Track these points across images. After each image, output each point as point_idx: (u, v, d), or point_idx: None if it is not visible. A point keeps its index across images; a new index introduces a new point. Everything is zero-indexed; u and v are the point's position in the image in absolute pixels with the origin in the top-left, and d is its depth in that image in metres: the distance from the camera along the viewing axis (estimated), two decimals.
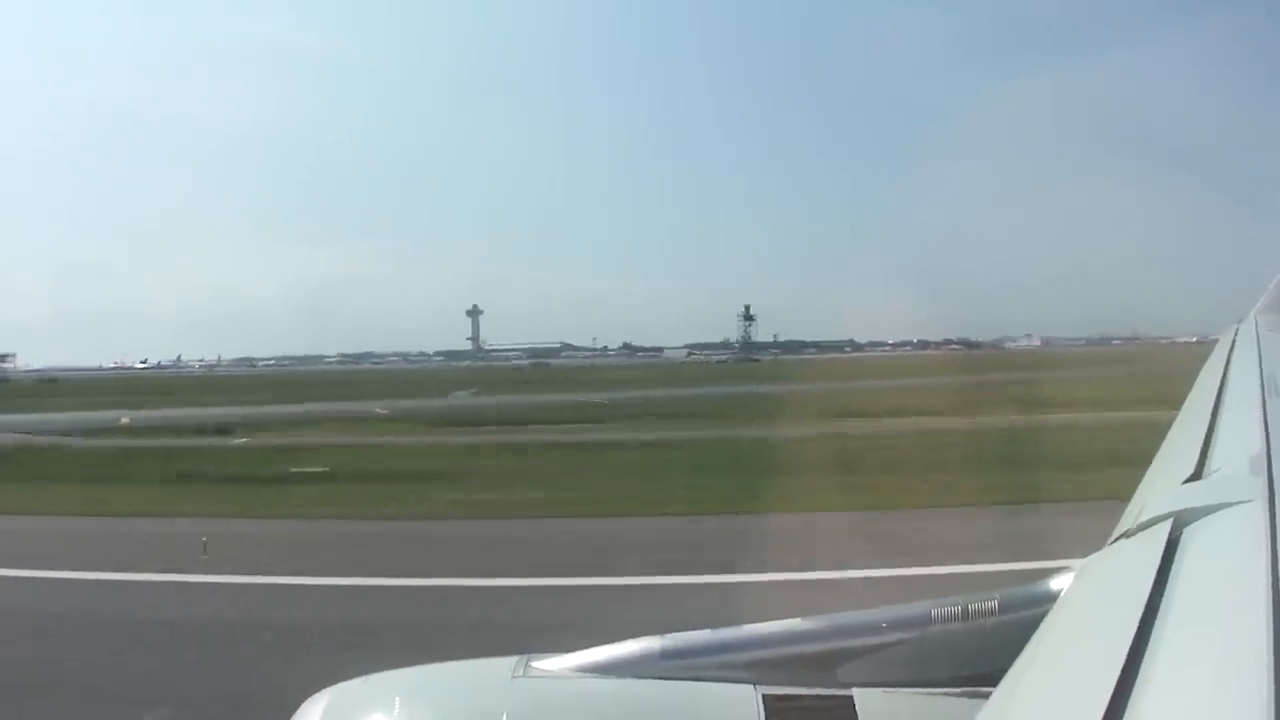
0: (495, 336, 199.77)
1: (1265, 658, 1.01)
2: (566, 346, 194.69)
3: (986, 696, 1.35)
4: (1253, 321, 5.14)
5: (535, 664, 1.86)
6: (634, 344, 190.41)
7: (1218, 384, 3.18)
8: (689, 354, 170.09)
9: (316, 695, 1.82)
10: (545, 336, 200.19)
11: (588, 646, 1.91)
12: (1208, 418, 2.56)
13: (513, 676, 1.82)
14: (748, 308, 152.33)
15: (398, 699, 1.79)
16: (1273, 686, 0.96)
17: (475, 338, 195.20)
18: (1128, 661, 1.09)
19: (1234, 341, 4.47)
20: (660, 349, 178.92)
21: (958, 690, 1.70)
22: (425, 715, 1.79)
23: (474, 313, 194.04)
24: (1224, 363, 3.77)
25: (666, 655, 1.84)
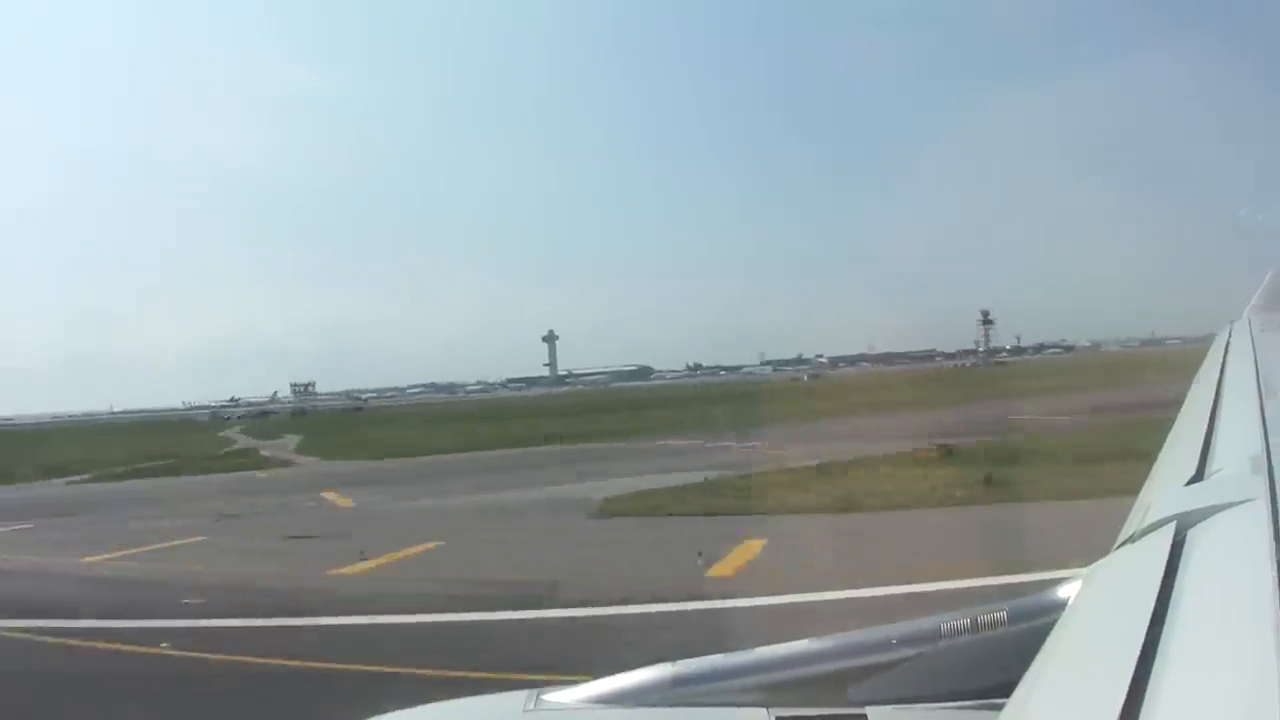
0: (567, 361, 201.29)
1: (1274, 657, 1.01)
2: (644, 369, 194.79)
3: (1000, 708, 1.34)
4: (1246, 321, 5.17)
5: (546, 697, 1.85)
6: (702, 364, 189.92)
7: (1215, 385, 3.20)
8: (773, 369, 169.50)
9: None
10: (619, 360, 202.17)
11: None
12: (1206, 419, 2.57)
13: (524, 710, 1.81)
14: (986, 312, 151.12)
15: None
16: None
17: (553, 363, 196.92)
18: (1139, 666, 1.09)
19: (1228, 342, 4.49)
20: (738, 367, 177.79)
21: (971, 704, 1.69)
22: None
23: (550, 339, 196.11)
24: (1220, 363, 3.78)
25: (678, 682, 1.83)
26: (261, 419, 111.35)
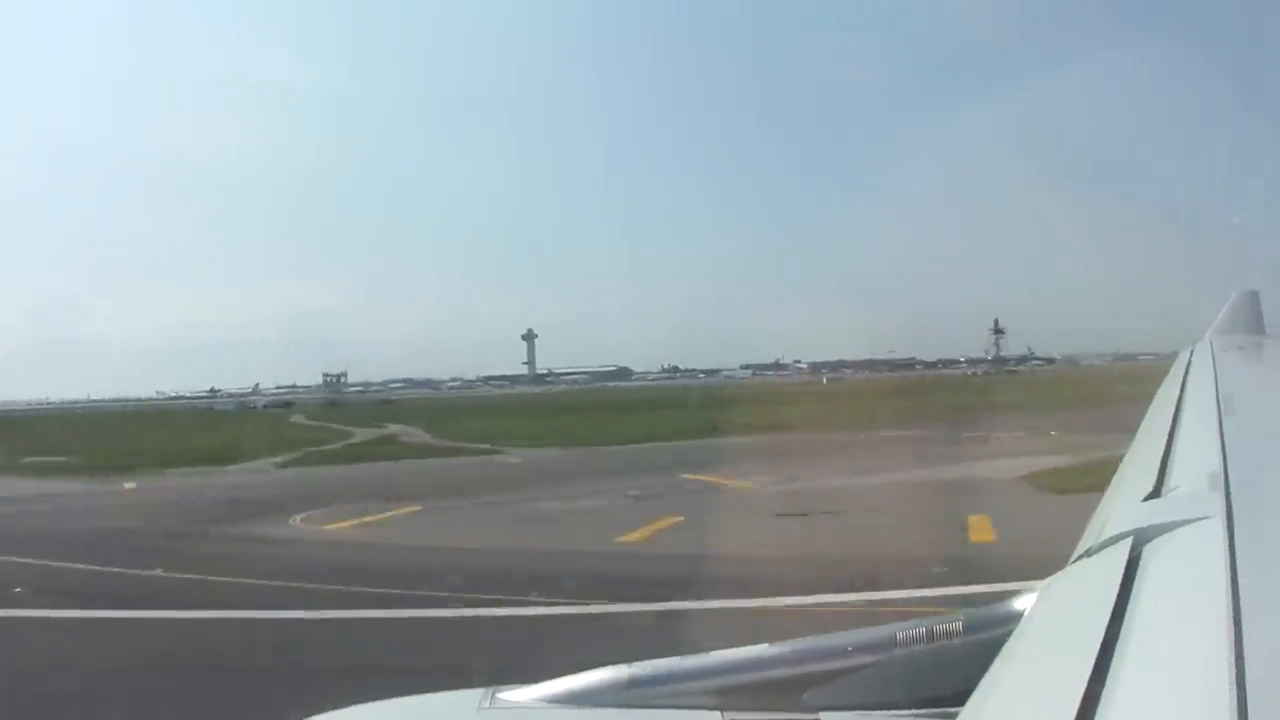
0: (545, 361, 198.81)
1: (1227, 673, 1.02)
2: (623, 370, 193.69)
3: (954, 717, 1.35)
4: (1208, 343, 5.25)
5: (501, 695, 1.84)
6: (679, 366, 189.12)
7: (1175, 403, 3.24)
8: (753, 373, 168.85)
9: None
10: (595, 360, 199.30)
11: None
12: (1165, 436, 2.60)
13: (480, 709, 1.80)
14: (996, 321, 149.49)
15: None
16: (1234, 701, 0.96)
17: (531, 362, 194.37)
18: (1093, 679, 1.09)
19: (1189, 362, 4.56)
20: (716, 370, 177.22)
21: (924, 712, 1.70)
22: None
23: (529, 337, 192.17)
24: (1180, 382, 3.83)
25: (634, 684, 1.82)
26: (286, 409, 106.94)
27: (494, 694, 1.84)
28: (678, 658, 1.91)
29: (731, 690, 1.80)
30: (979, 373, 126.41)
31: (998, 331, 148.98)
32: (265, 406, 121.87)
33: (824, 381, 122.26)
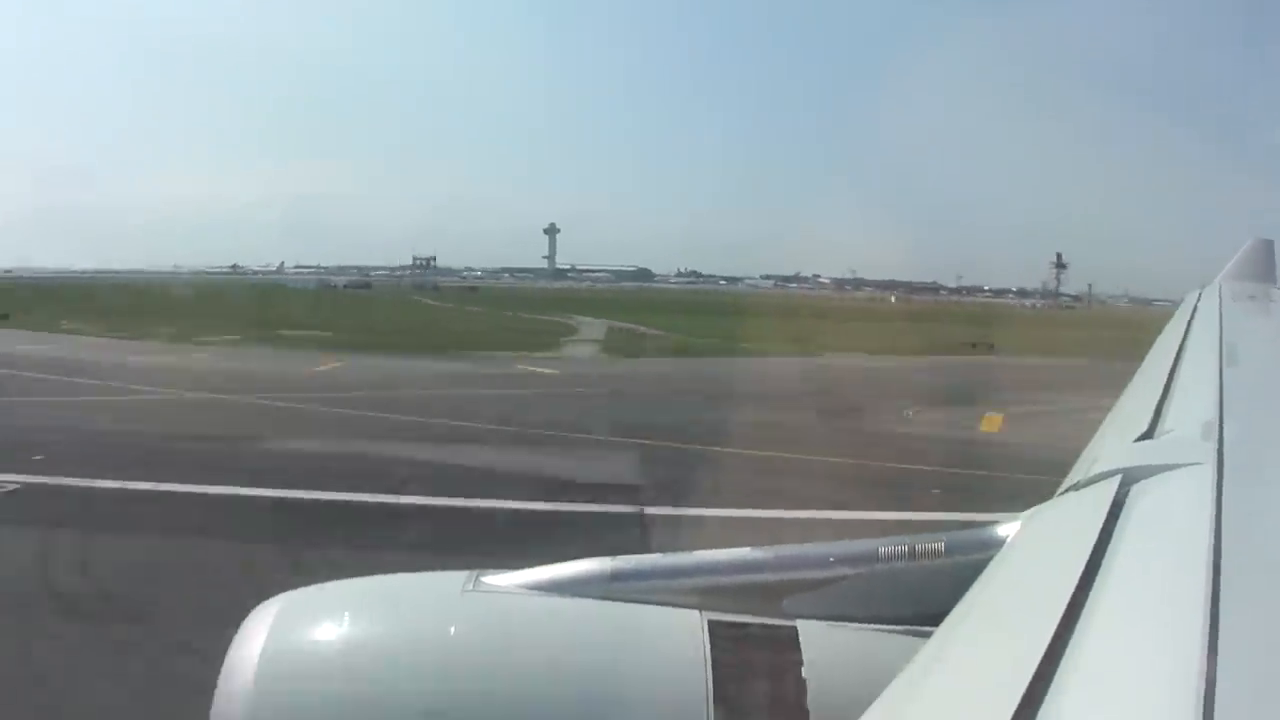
0: (562, 257, 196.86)
1: (1201, 616, 1.03)
2: (644, 270, 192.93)
3: (928, 636, 1.37)
4: (1217, 287, 5.16)
5: (485, 579, 1.86)
6: (699, 272, 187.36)
7: (1177, 347, 3.20)
8: (775, 284, 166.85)
9: (265, 603, 1.81)
10: (614, 260, 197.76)
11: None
12: (1164, 380, 2.58)
13: (462, 591, 1.83)
14: (1060, 255, 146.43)
15: (346, 609, 1.80)
16: (1206, 643, 0.98)
17: (551, 256, 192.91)
18: (1067, 611, 1.10)
19: (1196, 307, 4.49)
20: (739, 278, 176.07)
21: (900, 628, 1.73)
22: (373, 625, 1.80)
23: (551, 231, 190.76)
24: (1185, 327, 3.78)
25: (616, 577, 1.85)
26: (368, 291, 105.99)
27: (477, 577, 1.87)
28: (660, 554, 1.94)
29: (713, 591, 1.82)
30: (1035, 305, 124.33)
31: (1060, 266, 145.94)
32: (345, 287, 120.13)
33: (892, 300, 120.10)
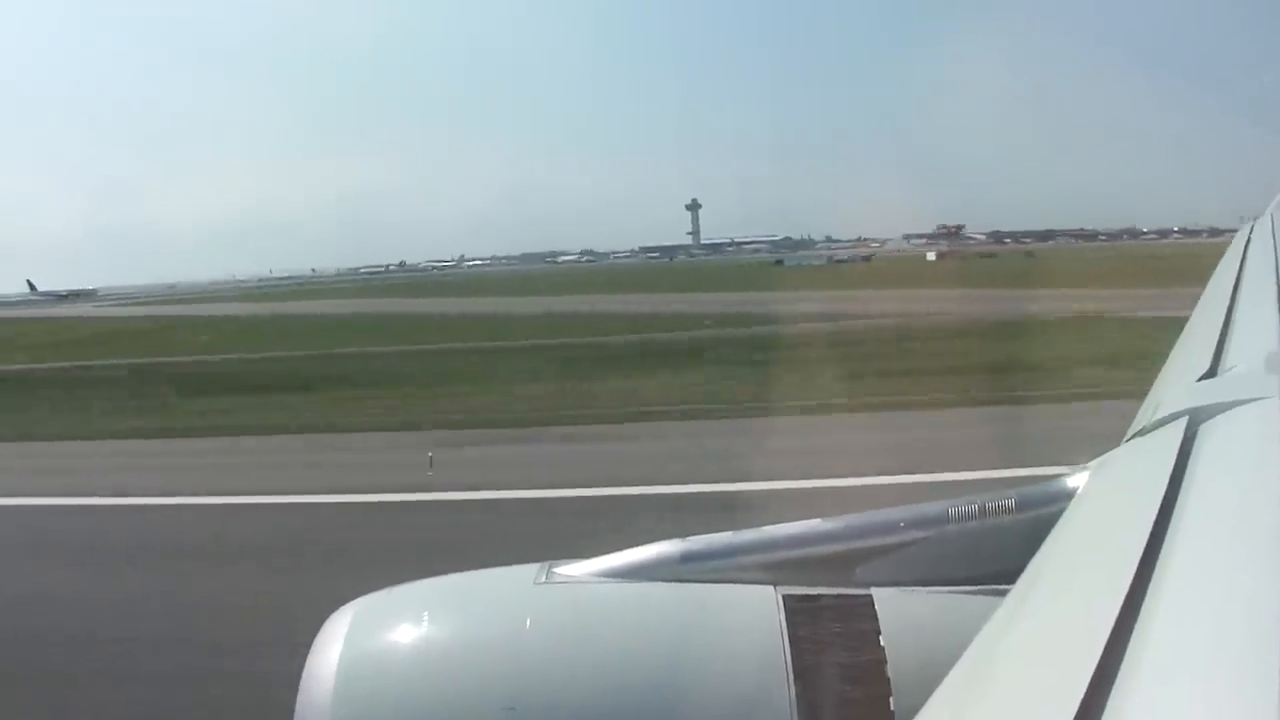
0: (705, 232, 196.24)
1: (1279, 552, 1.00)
2: (787, 240, 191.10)
3: (1004, 595, 1.37)
4: (1269, 219, 5.00)
5: (557, 569, 1.89)
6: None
7: (1233, 282, 3.11)
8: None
9: (340, 610, 1.84)
10: (758, 231, 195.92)
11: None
12: (1223, 316, 2.53)
13: (535, 583, 1.85)
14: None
15: (420, 610, 1.82)
16: None
17: (695, 231, 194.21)
18: (1144, 558, 1.09)
19: (1249, 239, 4.35)
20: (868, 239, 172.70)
21: (975, 589, 1.72)
22: (448, 624, 1.82)
23: (693, 206, 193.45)
24: (1239, 260, 3.68)
25: (687, 558, 1.86)
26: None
27: (549, 568, 1.89)
28: (731, 533, 1.94)
29: (785, 564, 1.83)
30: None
31: None
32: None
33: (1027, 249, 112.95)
